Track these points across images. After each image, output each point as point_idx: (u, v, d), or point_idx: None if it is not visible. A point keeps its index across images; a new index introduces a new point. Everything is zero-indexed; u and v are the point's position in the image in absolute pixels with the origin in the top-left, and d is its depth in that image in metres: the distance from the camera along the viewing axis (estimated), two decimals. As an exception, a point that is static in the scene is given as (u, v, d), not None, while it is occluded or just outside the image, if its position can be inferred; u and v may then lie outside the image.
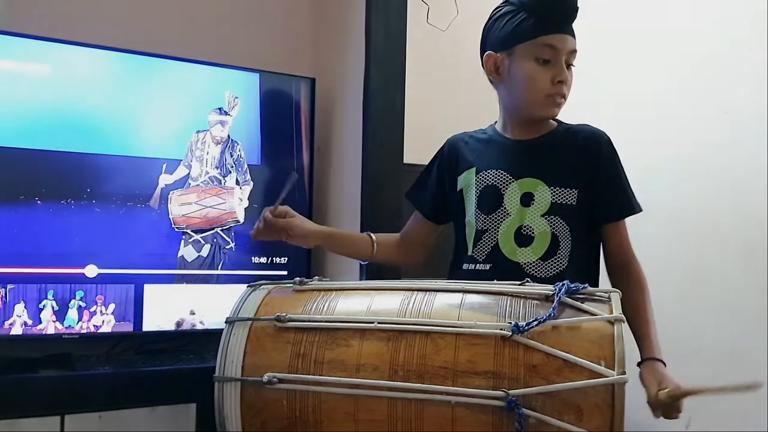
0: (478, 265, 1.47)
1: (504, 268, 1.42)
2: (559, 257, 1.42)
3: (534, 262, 1.42)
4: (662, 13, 2.14)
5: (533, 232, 1.43)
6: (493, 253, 1.45)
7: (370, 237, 1.61)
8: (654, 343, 1.35)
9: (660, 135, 2.11)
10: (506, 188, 1.46)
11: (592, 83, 2.31)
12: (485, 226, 1.47)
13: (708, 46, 2.00)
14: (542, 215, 1.43)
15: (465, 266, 1.50)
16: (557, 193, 1.43)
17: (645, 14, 2.20)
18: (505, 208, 1.46)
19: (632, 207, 1.46)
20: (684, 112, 2.05)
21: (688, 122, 2.04)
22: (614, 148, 1.47)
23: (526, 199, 1.44)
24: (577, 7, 1.43)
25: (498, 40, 1.47)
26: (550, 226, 1.43)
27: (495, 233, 1.46)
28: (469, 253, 1.49)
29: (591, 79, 2.30)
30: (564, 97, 1.45)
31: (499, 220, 1.46)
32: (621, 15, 2.28)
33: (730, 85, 1.94)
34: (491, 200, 1.47)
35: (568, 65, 1.44)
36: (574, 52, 1.44)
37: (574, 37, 1.44)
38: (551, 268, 1.42)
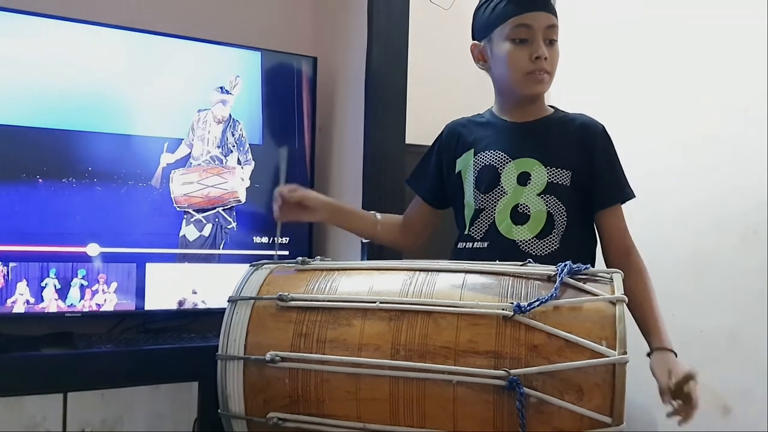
0: (475, 243, 1.49)
1: (500, 246, 1.44)
2: (554, 236, 1.43)
3: (530, 239, 1.43)
4: (663, 10, 2.13)
5: (529, 211, 1.44)
6: (491, 231, 1.47)
7: (375, 216, 1.62)
8: (663, 334, 1.35)
9: (661, 120, 2.11)
10: (503, 167, 1.47)
11: (596, 75, 2.31)
12: (482, 204, 1.48)
13: (708, 40, 1.99)
14: (538, 194, 1.44)
15: (461, 245, 1.52)
16: (553, 173, 1.44)
17: (645, 11, 2.19)
18: (502, 187, 1.47)
19: (625, 193, 1.46)
20: (686, 98, 2.05)
21: (690, 107, 2.03)
22: (609, 137, 1.48)
23: (523, 179, 1.45)
24: None
25: (479, 28, 1.50)
26: (546, 205, 1.44)
27: (492, 212, 1.47)
28: (466, 231, 1.51)
29: (595, 71, 2.31)
30: (547, 72, 1.44)
31: (496, 198, 1.47)
32: (623, 11, 2.27)
33: (731, 73, 1.93)
34: (489, 179, 1.48)
35: (550, 40, 1.43)
36: (552, 27, 1.43)
37: (552, 12, 1.43)
38: (546, 246, 1.43)
